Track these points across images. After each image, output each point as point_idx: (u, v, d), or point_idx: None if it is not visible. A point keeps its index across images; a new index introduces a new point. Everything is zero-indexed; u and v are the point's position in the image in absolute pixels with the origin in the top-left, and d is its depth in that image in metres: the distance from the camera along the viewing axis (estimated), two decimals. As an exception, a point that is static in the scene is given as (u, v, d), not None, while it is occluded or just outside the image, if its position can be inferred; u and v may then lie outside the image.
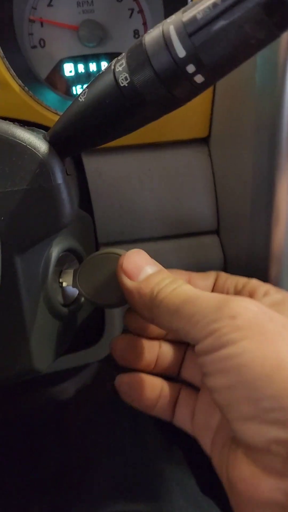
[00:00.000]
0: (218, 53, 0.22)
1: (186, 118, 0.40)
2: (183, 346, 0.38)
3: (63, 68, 0.42)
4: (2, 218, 0.28)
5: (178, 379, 0.37)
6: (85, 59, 0.42)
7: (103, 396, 0.48)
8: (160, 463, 0.45)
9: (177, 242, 0.43)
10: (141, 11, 0.43)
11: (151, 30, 0.24)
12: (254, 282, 0.33)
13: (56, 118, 0.36)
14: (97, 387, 0.49)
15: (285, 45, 0.30)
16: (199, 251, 0.43)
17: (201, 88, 0.23)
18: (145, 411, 0.36)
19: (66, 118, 0.27)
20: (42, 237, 0.29)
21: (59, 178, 0.28)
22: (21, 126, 0.28)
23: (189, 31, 0.22)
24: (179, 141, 0.42)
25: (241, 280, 0.33)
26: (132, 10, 0.43)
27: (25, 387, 0.48)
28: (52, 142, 0.28)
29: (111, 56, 0.43)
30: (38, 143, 0.27)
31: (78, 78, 0.43)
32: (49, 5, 0.42)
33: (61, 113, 0.29)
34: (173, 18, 0.23)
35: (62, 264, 0.35)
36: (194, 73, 0.22)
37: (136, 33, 0.43)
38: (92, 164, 0.41)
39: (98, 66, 0.43)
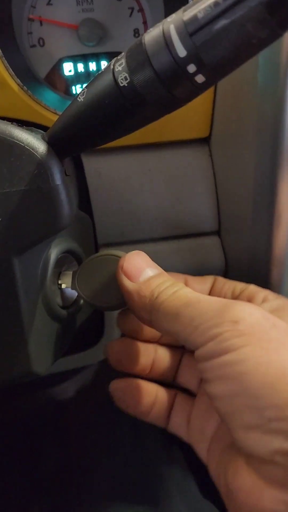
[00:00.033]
0: (220, 52, 0.21)
1: (187, 118, 0.40)
2: (179, 350, 0.37)
3: (62, 68, 0.42)
4: (0, 219, 0.27)
5: (174, 384, 0.37)
6: (84, 58, 0.42)
7: (103, 397, 0.48)
8: (160, 464, 0.45)
9: (177, 243, 0.43)
10: (141, 10, 0.42)
11: (151, 29, 0.23)
12: (252, 288, 0.32)
13: (55, 118, 0.35)
14: (97, 387, 0.49)
15: (288, 44, 0.30)
16: (200, 253, 0.43)
17: (202, 88, 0.23)
18: (140, 418, 0.36)
19: (64, 118, 0.26)
20: (41, 238, 0.28)
21: (57, 179, 0.27)
22: (20, 126, 0.28)
23: (190, 31, 0.21)
24: (179, 141, 0.42)
25: (238, 285, 0.33)
26: (132, 9, 0.42)
27: (25, 387, 0.48)
28: (51, 143, 0.27)
29: (111, 56, 0.42)
30: (37, 144, 0.27)
31: (78, 78, 0.42)
32: (49, 3, 0.41)
33: (60, 113, 0.28)
34: (174, 17, 0.22)
35: (61, 265, 0.34)
36: (195, 73, 0.22)
37: (136, 32, 0.43)
38: (92, 164, 0.41)
39: (98, 65, 0.42)
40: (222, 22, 0.21)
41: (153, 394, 0.36)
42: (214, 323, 0.25)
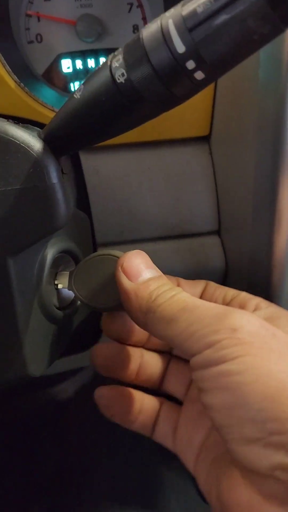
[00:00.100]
0: (219, 49, 0.21)
1: (187, 116, 0.39)
2: (167, 356, 0.37)
3: (60, 64, 0.42)
4: None
5: (160, 391, 0.36)
6: (83, 54, 0.42)
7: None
8: (159, 465, 0.45)
9: (177, 242, 0.43)
10: (140, 5, 0.42)
11: (149, 24, 0.23)
12: (244, 295, 0.32)
13: (53, 115, 0.35)
14: (96, 387, 0.49)
15: (290, 40, 0.29)
16: (200, 252, 0.43)
17: (201, 85, 0.22)
18: (125, 426, 0.35)
19: (61, 115, 0.26)
20: (36, 238, 0.28)
21: (53, 177, 0.27)
22: (15, 123, 0.27)
23: (189, 26, 0.21)
24: (179, 139, 0.41)
25: (230, 292, 0.32)
26: (131, 4, 0.42)
27: (24, 387, 0.48)
28: (47, 140, 0.27)
29: (109, 52, 0.41)
30: (32, 141, 0.26)
31: (76, 74, 0.42)
32: (46, -1, 0.41)
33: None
34: (172, 12, 0.22)
35: (57, 265, 0.34)
36: (194, 70, 0.22)
37: (135, 28, 0.42)
38: (90, 162, 0.40)
39: (97, 62, 0.42)
40: (222, 17, 0.20)
41: (138, 402, 0.35)
42: (212, 330, 0.24)
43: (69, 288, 0.33)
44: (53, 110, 0.38)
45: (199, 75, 0.22)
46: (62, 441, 0.48)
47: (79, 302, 0.35)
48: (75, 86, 0.42)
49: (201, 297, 0.34)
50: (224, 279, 0.44)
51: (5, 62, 0.36)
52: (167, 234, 0.43)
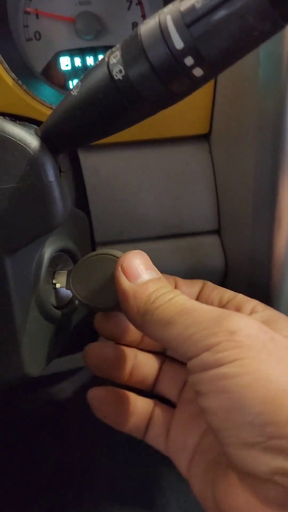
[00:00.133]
0: (218, 45, 0.20)
1: (186, 114, 0.39)
2: (160, 357, 0.36)
3: (59, 62, 0.41)
4: None
5: (154, 393, 0.36)
6: (82, 52, 0.41)
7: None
8: (159, 465, 0.45)
9: (176, 242, 0.43)
10: (139, 3, 0.42)
11: (147, 20, 0.22)
12: (241, 297, 0.31)
13: (51, 113, 0.35)
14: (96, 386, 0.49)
15: (291, 38, 0.29)
16: (200, 252, 0.42)
17: (199, 82, 0.22)
18: (117, 428, 0.35)
19: (58, 113, 0.25)
20: (33, 237, 0.28)
21: (51, 175, 0.26)
22: (12, 120, 0.27)
23: (187, 21, 0.21)
24: (179, 137, 0.41)
25: (227, 293, 0.32)
26: (131, 2, 0.42)
27: (23, 387, 0.48)
28: (44, 138, 0.27)
29: (108, 50, 0.41)
30: (29, 139, 0.26)
31: (75, 72, 0.42)
32: (45, -4, 0.40)
33: (57, 108, 0.28)
34: (170, 7, 0.21)
35: (56, 264, 0.34)
36: (193, 66, 0.21)
37: (135, 26, 0.42)
38: (89, 161, 0.40)
39: (95, 59, 0.42)
40: (221, 13, 0.20)
41: (131, 404, 0.35)
42: (210, 333, 0.24)
43: (67, 287, 0.32)
44: (51, 108, 0.37)
45: (197, 71, 0.21)
46: (62, 441, 0.48)
47: (77, 301, 0.35)
48: (73, 84, 0.42)
49: (197, 298, 0.33)
50: (224, 279, 0.43)
51: (3, 59, 0.36)
52: (166, 233, 0.42)
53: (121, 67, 0.22)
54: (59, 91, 0.41)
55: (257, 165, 0.34)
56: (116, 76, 0.23)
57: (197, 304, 0.26)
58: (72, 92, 0.25)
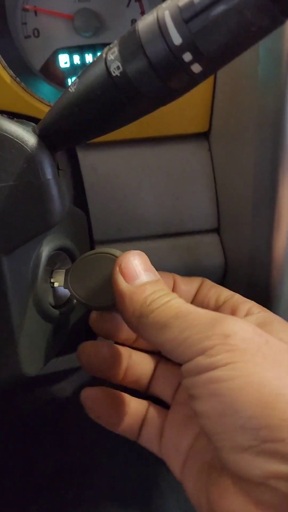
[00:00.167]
0: (217, 40, 0.20)
1: (186, 112, 0.39)
2: (155, 357, 0.36)
3: (58, 59, 0.41)
4: None
5: (148, 393, 0.36)
6: (80, 49, 0.41)
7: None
8: (158, 465, 0.45)
9: (176, 240, 0.42)
10: (139, 0, 0.41)
11: (145, 16, 0.22)
12: (237, 298, 0.31)
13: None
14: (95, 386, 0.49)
15: (290, 34, 0.29)
16: (199, 251, 0.42)
17: (198, 78, 0.22)
18: (110, 429, 0.35)
19: (56, 110, 0.25)
20: (30, 236, 0.27)
21: (48, 173, 0.26)
22: (10, 118, 0.27)
23: (186, 17, 0.20)
24: (178, 135, 0.41)
25: (224, 293, 0.32)
26: (130, -2, 0.41)
27: (23, 387, 0.48)
28: (42, 135, 0.26)
29: (107, 47, 0.41)
30: (27, 136, 0.26)
31: (74, 70, 0.41)
32: (44, -7, 0.40)
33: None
34: (169, 2, 0.21)
35: (54, 263, 0.33)
36: (191, 62, 0.21)
37: (134, 23, 0.41)
38: (88, 159, 0.40)
39: (94, 57, 0.41)
40: (220, 8, 0.20)
41: (125, 405, 0.34)
42: (204, 336, 0.24)
43: (65, 286, 0.32)
44: (50, 106, 0.37)
45: (196, 68, 0.21)
46: (61, 441, 0.48)
47: (75, 300, 0.34)
48: (72, 81, 0.41)
49: (195, 296, 0.33)
50: (223, 278, 0.43)
51: (1, 57, 0.36)
52: (165, 232, 0.42)
53: (119, 63, 0.22)
54: (57, 89, 0.41)
55: (257, 162, 0.34)
56: (114, 72, 0.22)
57: (193, 308, 0.26)
58: (69, 89, 0.24)
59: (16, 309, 0.29)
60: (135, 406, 0.35)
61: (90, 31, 0.40)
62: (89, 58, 0.41)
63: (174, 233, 0.42)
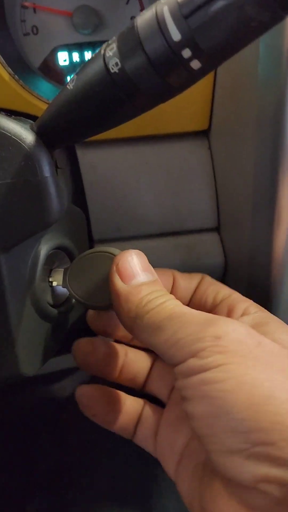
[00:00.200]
0: (216, 36, 0.20)
1: (186, 110, 0.39)
2: (152, 355, 0.36)
3: (57, 57, 0.41)
4: None
5: (144, 392, 0.36)
6: (80, 47, 0.41)
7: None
8: (159, 465, 0.45)
9: (175, 239, 0.42)
10: (138, -4, 0.41)
11: (144, 11, 0.22)
12: (235, 297, 0.31)
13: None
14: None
15: (291, 31, 0.29)
16: (199, 249, 0.42)
17: (197, 75, 0.22)
18: (105, 427, 0.35)
19: (54, 107, 0.25)
20: (28, 234, 0.27)
21: (46, 171, 0.26)
22: (7, 115, 0.27)
23: (185, 13, 0.20)
24: (178, 133, 0.40)
25: (222, 291, 0.32)
26: (129, -5, 0.41)
27: (23, 386, 0.48)
28: (40, 133, 0.26)
29: (106, 44, 0.41)
30: (24, 134, 0.26)
31: (73, 67, 0.41)
32: (43, -10, 0.40)
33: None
34: None
35: (52, 262, 0.33)
36: (190, 58, 0.21)
37: (134, 20, 0.41)
38: (87, 157, 0.40)
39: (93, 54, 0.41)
40: (219, 4, 0.19)
41: (120, 403, 0.34)
42: (196, 338, 0.24)
43: (64, 285, 0.32)
44: (48, 103, 0.37)
45: (195, 64, 0.21)
46: (61, 440, 0.48)
47: (73, 299, 0.34)
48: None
49: (195, 291, 0.33)
50: (223, 276, 0.43)
51: (-1, 54, 0.36)
52: (165, 231, 0.42)
53: (118, 60, 0.22)
54: (56, 86, 0.41)
55: (257, 161, 0.34)
56: (113, 69, 0.22)
57: (187, 309, 0.26)
58: (67, 86, 0.24)
59: (14, 308, 0.29)
60: (130, 404, 0.34)
61: (89, 28, 0.40)
62: (88, 55, 0.41)
63: (174, 232, 0.42)
